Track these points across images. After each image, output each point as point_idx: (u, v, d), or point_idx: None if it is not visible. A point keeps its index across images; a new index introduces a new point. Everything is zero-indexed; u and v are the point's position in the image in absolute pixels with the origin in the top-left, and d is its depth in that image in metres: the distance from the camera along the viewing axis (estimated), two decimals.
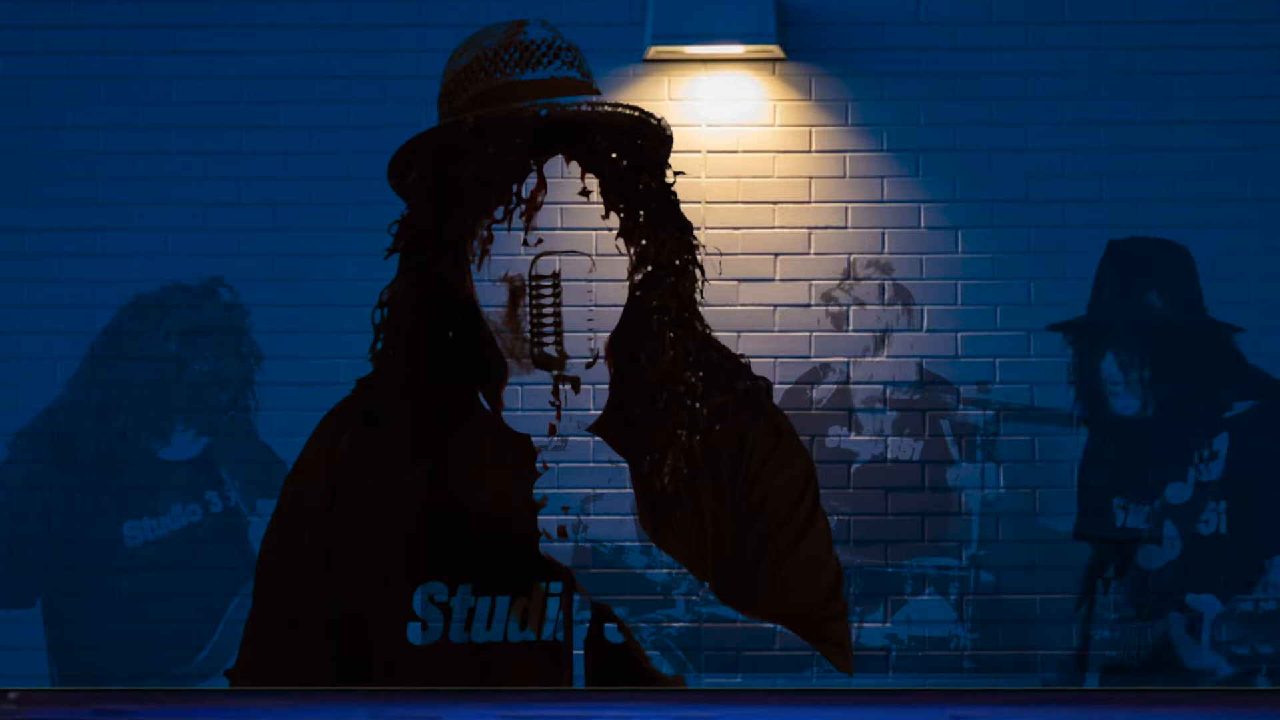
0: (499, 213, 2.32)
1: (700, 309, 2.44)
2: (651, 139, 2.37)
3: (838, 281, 4.39)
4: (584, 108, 2.35)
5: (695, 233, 2.44)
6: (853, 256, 4.40)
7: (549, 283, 2.31)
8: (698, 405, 2.36)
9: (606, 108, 2.36)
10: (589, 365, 2.47)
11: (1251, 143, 4.42)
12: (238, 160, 4.43)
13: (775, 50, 4.36)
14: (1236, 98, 4.42)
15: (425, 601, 2.30)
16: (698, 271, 2.43)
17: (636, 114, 2.36)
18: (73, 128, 4.46)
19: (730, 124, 4.43)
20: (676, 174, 2.43)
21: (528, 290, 2.37)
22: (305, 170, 4.42)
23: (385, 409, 2.33)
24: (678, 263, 2.42)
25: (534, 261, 2.40)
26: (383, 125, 4.41)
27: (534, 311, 2.31)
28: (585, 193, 2.43)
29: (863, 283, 4.40)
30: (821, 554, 2.43)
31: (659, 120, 2.32)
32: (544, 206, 2.32)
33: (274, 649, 2.34)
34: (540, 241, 2.33)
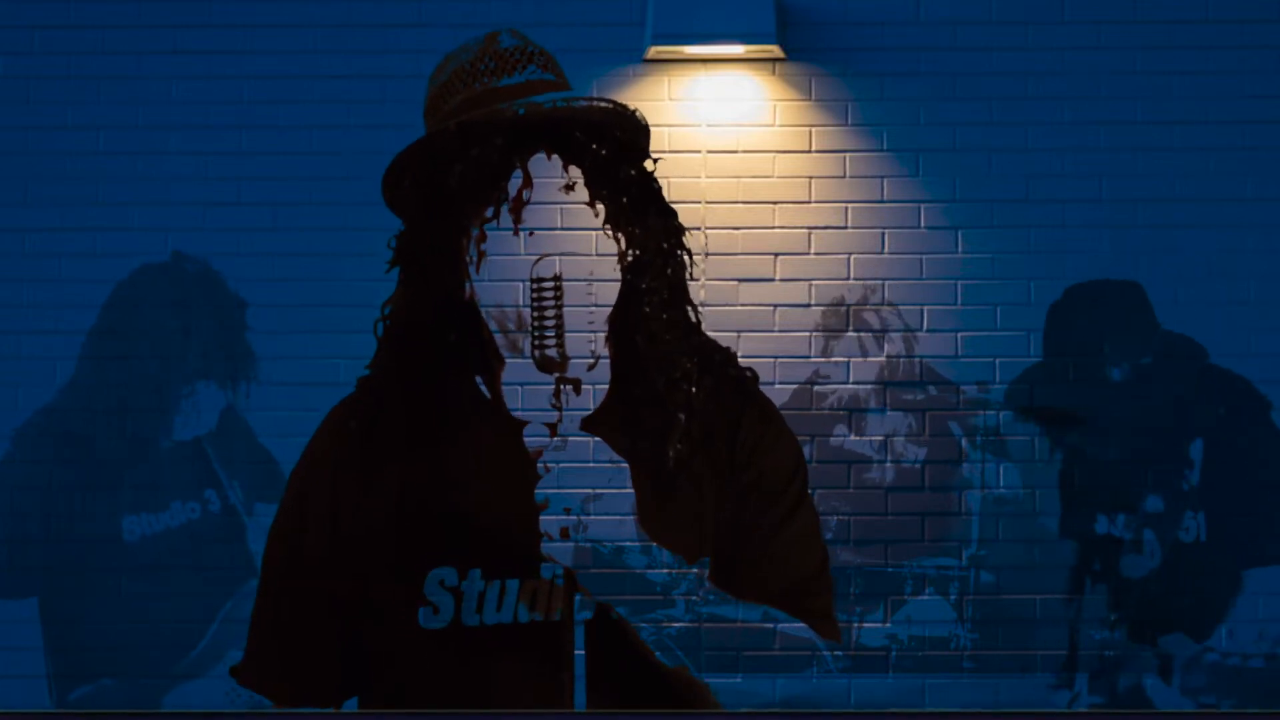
0: (489, 212, 2.34)
1: (691, 295, 2.46)
2: (629, 129, 2.40)
3: (840, 281, 4.40)
4: (559, 104, 2.39)
5: (689, 226, 2.45)
6: (852, 262, 4.41)
7: (550, 285, 2.32)
8: (693, 389, 2.39)
9: (581, 103, 2.40)
10: (590, 367, 2.48)
11: (1251, 143, 4.42)
12: (238, 160, 4.43)
13: (775, 50, 4.36)
14: (1236, 98, 4.42)
15: (436, 586, 2.31)
16: (685, 257, 2.46)
17: (611, 106, 2.39)
18: (73, 128, 4.46)
19: (730, 124, 4.43)
20: (656, 160, 2.46)
21: (528, 292, 2.38)
22: (305, 170, 4.42)
23: (388, 411, 2.35)
24: (665, 246, 2.44)
25: (535, 264, 2.42)
26: (383, 125, 4.42)
27: (535, 313, 2.32)
28: (570, 186, 2.47)
29: (865, 282, 4.41)
30: (811, 532, 2.47)
31: (634, 110, 2.35)
32: (542, 207, 2.34)
33: (281, 642, 2.34)
34: (532, 234, 2.33)
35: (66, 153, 4.45)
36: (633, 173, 2.48)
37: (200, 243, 4.42)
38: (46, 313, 4.42)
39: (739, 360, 2.58)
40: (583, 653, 2.46)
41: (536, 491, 2.35)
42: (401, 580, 2.35)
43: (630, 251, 2.48)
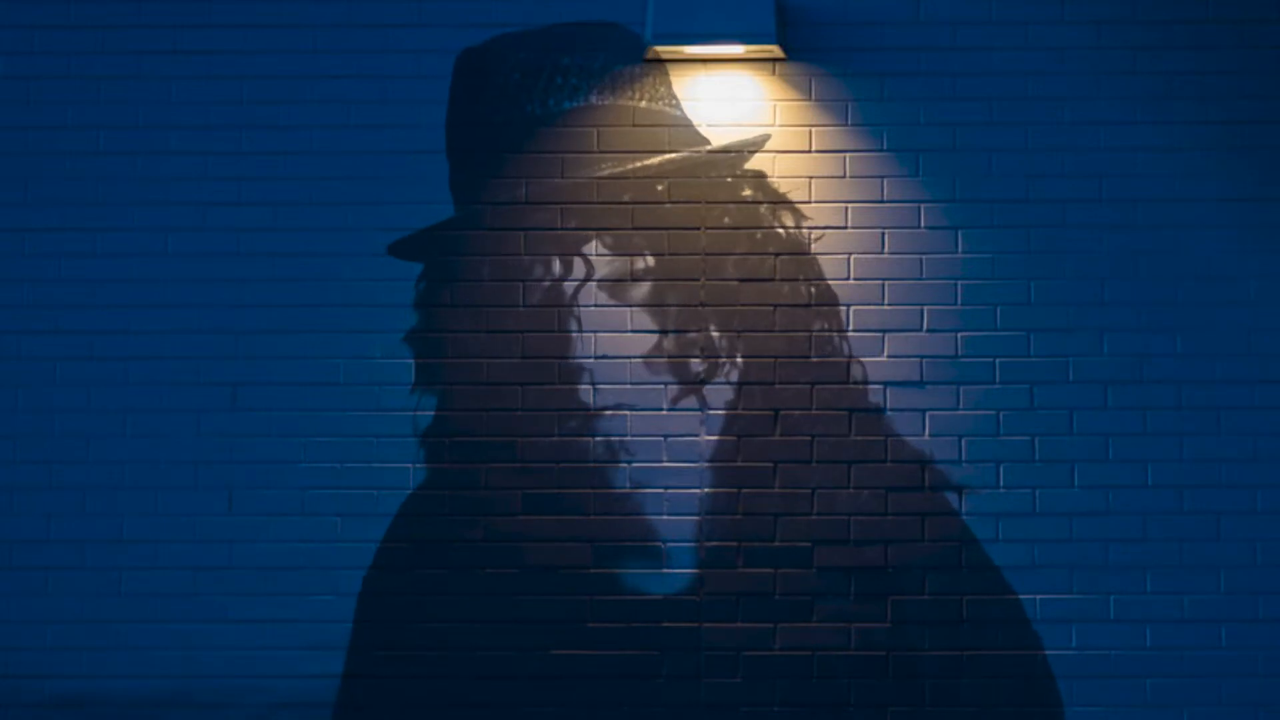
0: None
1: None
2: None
3: (840, 280, 4.40)
4: None
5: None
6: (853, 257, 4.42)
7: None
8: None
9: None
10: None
11: (1251, 143, 4.42)
12: (238, 160, 4.43)
13: (775, 50, 4.37)
14: (1236, 98, 4.42)
15: None
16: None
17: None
18: (73, 128, 4.46)
19: (730, 124, 4.43)
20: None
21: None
22: (305, 170, 4.42)
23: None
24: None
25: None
26: (383, 125, 4.42)
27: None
28: None
29: (863, 283, 4.41)
30: None
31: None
32: (542, 208, 2.40)
33: None
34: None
35: (66, 153, 4.45)
36: None
37: (200, 243, 4.42)
38: (46, 313, 4.42)
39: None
40: None
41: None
42: None
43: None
